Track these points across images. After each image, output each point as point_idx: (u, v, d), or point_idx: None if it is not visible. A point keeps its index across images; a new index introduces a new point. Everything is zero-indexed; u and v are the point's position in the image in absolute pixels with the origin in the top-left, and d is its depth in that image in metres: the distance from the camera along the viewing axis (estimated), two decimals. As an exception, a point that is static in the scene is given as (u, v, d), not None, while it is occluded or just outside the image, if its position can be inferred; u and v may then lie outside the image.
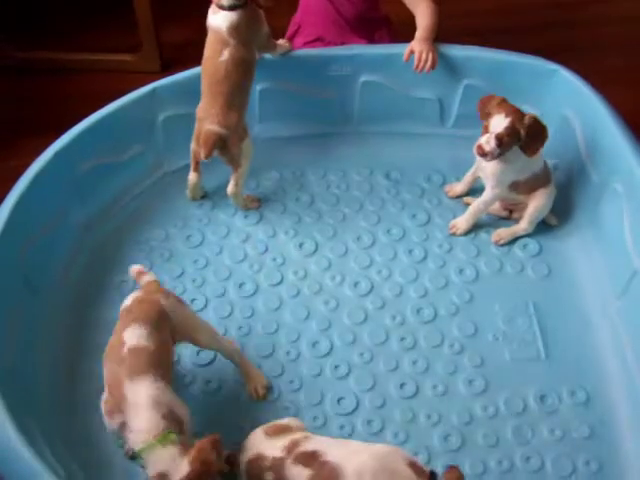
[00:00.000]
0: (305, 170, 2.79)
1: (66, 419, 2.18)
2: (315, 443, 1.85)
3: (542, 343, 2.34)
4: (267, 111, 2.81)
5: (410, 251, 2.56)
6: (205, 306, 2.42)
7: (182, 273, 2.51)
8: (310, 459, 1.80)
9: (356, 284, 2.48)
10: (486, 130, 2.36)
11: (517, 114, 2.34)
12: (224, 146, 2.46)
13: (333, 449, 1.82)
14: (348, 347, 2.33)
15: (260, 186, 2.74)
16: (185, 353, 2.29)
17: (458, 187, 2.70)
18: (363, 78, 2.78)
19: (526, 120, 2.33)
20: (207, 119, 2.45)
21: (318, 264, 2.53)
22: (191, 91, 2.54)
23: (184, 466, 1.74)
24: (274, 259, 2.54)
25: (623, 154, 2.43)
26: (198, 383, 2.25)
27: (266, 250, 2.57)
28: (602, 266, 2.48)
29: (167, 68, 3.28)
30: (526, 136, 2.34)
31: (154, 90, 2.64)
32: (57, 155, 2.45)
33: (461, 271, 2.51)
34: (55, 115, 3.04)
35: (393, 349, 2.33)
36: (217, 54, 2.44)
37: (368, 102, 2.82)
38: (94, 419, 2.07)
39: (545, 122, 2.41)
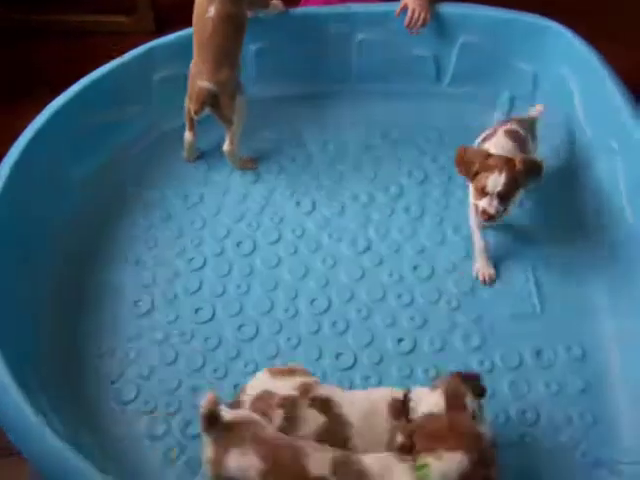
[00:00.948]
0: (302, 130, 2.79)
1: (64, 371, 2.20)
2: (327, 390, 1.88)
3: (538, 299, 2.35)
4: (263, 71, 2.80)
5: (407, 209, 2.57)
6: (204, 265, 2.44)
7: (180, 233, 2.52)
8: (325, 406, 1.83)
9: (353, 242, 2.49)
10: (481, 191, 2.19)
11: (509, 165, 2.17)
12: (215, 103, 2.46)
13: (345, 401, 1.85)
14: (346, 304, 2.35)
15: (257, 146, 2.74)
16: (185, 314, 2.32)
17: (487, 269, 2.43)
18: (360, 36, 2.77)
19: (519, 166, 2.18)
20: (198, 75, 2.45)
21: (315, 222, 2.54)
22: (186, 51, 2.53)
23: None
24: (271, 218, 2.55)
25: (619, 111, 2.45)
26: (198, 339, 2.28)
27: (263, 209, 2.58)
28: (596, 221, 2.49)
29: (162, 29, 3.26)
30: (525, 179, 2.22)
31: (149, 51, 2.64)
32: (55, 115, 2.46)
33: (458, 228, 2.52)
34: (51, 77, 3.03)
35: (390, 305, 2.34)
36: (204, 11, 2.45)
37: (365, 61, 2.82)
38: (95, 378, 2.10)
39: (541, 79, 2.39)
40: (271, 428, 1.77)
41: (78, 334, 2.29)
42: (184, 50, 2.55)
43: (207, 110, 2.47)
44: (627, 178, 2.40)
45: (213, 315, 2.32)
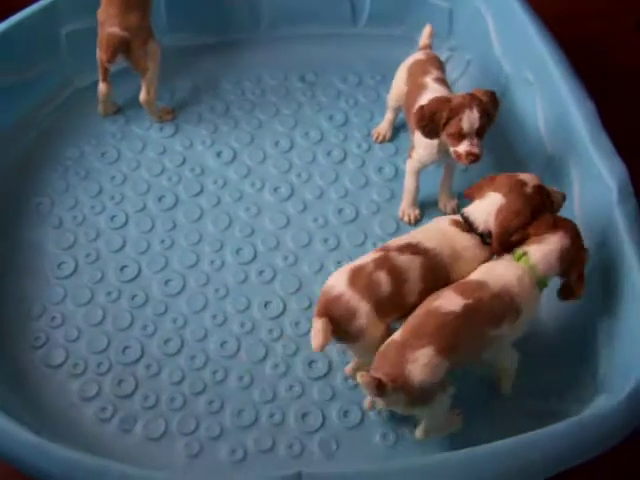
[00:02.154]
0: (219, 78, 2.75)
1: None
2: (401, 238, 1.96)
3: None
4: (176, 19, 2.74)
5: (329, 153, 2.56)
6: (126, 222, 2.40)
7: (100, 191, 2.47)
8: (412, 248, 1.90)
9: (276, 189, 2.47)
10: (458, 136, 2.09)
11: (475, 100, 2.10)
12: (127, 49, 2.40)
13: (421, 238, 1.93)
14: (272, 252, 2.34)
15: (174, 97, 2.69)
16: (109, 273, 2.30)
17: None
18: (271, -20, 2.72)
19: (483, 98, 2.12)
20: (107, 21, 2.38)
21: (237, 172, 2.51)
22: (94, 3, 2.45)
23: None
24: (192, 170, 2.51)
25: (533, 43, 2.45)
26: (125, 298, 2.25)
27: (184, 161, 2.53)
28: (517, 154, 2.50)
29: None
30: (493, 110, 2.15)
31: (54, 3, 2.54)
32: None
33: (380, 169, 2.52)
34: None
35: (317, 251, 2.34)
36: None
37: (278, 4, 2.78)
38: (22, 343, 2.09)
39: (457, 15, 2.38)
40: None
41: (2, 300, 2.24)
42: (92, 1, 2.47)
43: (120, 58, 2.41)
44: (544, 109, 2.41)
45: (139, 272, 2.29)
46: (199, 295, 2.25)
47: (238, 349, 2.15)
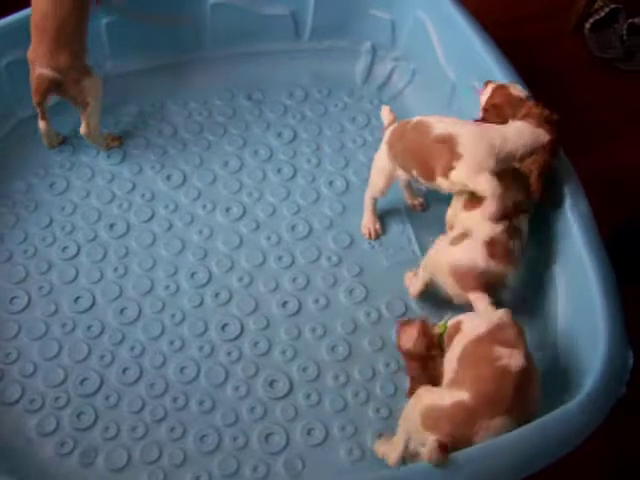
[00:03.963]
0: (165, 101, 2.73)
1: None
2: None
3: (417, 245, 2.38)
4: (117, 45, 2.69)
5: (279, 170, 2.55)
6: (78, 252, 2.37)
7: (50, 222, 2.43)
8: None
9: (228, 210, 2.46)
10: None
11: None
12: (59, 89, 2.35)
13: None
14: (226, 273, 2.32)
15: (120, 122, 2.66)
16: (63, 305, 2.26)
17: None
18: (212, 0, 2.70)
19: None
20: (37, 62, 2.32)
21: (187, 195, 2.49)
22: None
23: None
24: (142, 195, 2.49)
25: (476, 50, 2.46)
26: (80, 329, 2.22)
27: (133, 187, 2.51)
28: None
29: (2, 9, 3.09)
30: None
31: (-10, 34, 2.51)
32: None
33: (331, 183, 2.52)
34: None
35: (272, 269, 2.33)
36: None
37: (220, 25, 2.76)
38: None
39: (399, 26, 2.39)
40: None
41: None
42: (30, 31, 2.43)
43: (54, 96, 2.37)
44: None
45: (93, 302, 2.26)
46: (155, 321, 2.23)
47: (197, 373, 2.14)
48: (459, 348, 1.83)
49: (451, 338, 1.88)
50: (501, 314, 1.87)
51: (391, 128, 2.26)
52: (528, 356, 1.79)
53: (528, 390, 1.77)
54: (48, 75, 2.31)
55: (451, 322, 1.92)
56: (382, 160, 2.26)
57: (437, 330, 1.93)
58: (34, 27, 2.33)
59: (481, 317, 1.91)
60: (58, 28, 2.30)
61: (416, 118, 2.18)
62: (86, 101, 2.41)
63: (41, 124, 2.49)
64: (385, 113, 2.35)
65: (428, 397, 1.77)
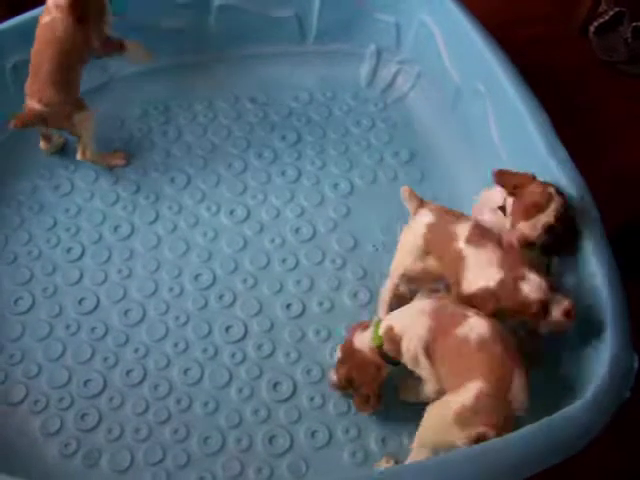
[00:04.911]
0: (169, 103, 2.73)
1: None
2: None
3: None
4: (122, 47, 2.71)
5: (283, 172, 2.56)
6: (82, 254, 2.37)
7: (55, 224, 2.44)
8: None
9: (232, 212, 2.46)
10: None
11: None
12: (45, 123, 2.38)
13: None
14: (231, 275, 2.33)
15: (125, 124, 2.67)
16: (68, 306, 2.25)
17: None
18: (218, 2, 2.71)
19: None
20: (30, 95, 2.34)
21: (192, 197, 2.50)
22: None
23: None
24: (147, 197, 2.49)
25: (481, 53, 2.46)
26: (84, 330, 2.22)
27: (138, 189, 2.51)
28: (471, 161, 2.51)
29: (15, 10, 3.09)
30: None
31: (-1, 35, 2.51)
32: None
33: (336, 186, 2.52)
34: None
35: (276, 271, 2.34)
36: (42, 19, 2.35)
37: (226, 27, 2.76)
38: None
39: (404, 29, 2.39)
40: None
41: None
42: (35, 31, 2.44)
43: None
44: (497, 119, 2.43)
45: (97, 304, 2.27)
46: (159, 323, 2.23)
47: (201, 375, 2.14)
48: (423, 358, 1.87)
49: (395, 345, 1.91)
50: (425, 302, 1.93)
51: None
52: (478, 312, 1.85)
53: (506, 337, 1.82)
54: (36, 110, 2.33)
55: (382, 331, 1.93)
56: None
57: (373, 343, 1.94)
58: (31, 62, 2.36)
59: (411, 316, 1.92)
60: (50, 66, 2.32)
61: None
62: (79, 132, 2.43)
63: (42, 144, 2.55)
64: (406, 195, 2.10)
65: (451, 404, 1.78)
